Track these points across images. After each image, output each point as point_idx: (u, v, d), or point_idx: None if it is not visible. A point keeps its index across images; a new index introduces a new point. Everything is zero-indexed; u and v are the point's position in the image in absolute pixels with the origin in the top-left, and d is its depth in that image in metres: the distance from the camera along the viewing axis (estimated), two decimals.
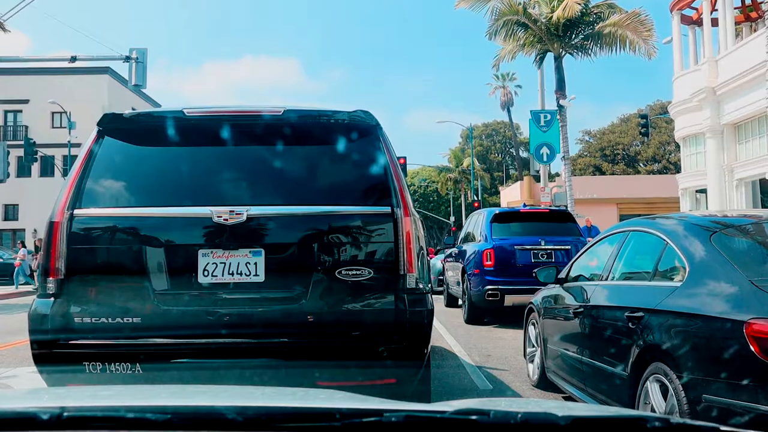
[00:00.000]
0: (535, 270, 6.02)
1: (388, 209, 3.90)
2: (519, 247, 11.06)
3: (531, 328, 6.37)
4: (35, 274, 23.21)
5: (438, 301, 13.52)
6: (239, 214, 3.76)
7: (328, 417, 1.32)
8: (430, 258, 19.85)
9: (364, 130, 4.14)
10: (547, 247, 11.03)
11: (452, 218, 55.84)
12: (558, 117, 23.05)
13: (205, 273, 3.76)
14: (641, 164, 60.62)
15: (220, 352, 3.79)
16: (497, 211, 12.09)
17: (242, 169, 4.08)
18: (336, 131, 4.13)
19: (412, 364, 3.87)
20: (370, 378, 3.79)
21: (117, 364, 3.59)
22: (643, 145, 58.24)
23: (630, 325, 3.85)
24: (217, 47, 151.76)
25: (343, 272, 3.80)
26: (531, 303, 6.40)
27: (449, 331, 10.33)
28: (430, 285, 4.12)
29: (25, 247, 26.20)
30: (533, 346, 6.26)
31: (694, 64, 25.42)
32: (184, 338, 3.81)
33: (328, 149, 4.18)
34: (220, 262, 3.77)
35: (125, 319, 3.71)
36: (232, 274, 3.76)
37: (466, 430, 1.30)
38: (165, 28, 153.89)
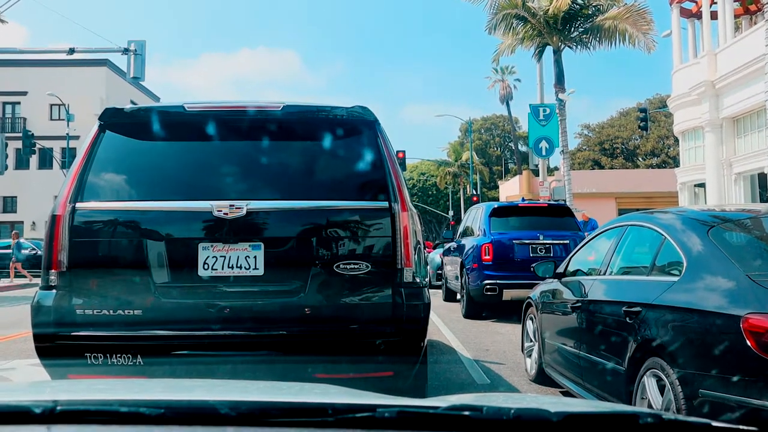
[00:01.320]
0: (534, 264, 6.02)
1: (385, 204, 3.92)
2: (517, 241, 11.06)
3: (529, 323, 6.37)
4: None
5: (436, 296, 13.55)
6: (239, 208, 3.79)
7: (322, 412, 1.32)
8: (429, 252, 19.87)
9: (362, 126, 4.16)
10: (545, 241, 11.02)
11: (451, 212, 55.86)
12: (557, 111, 23.03)
13: (205, 266, 3.79)
14: (640, 158, 60.61)
15: (219, 345, 3.82)
16: (496, 206, 12.07)
17: (242, 163, 4.11)
18: (334, 127, 4.16)
19: (409, 358, 3.89)
20: (366, 371, 3.80)
21: (118, 356, 3.62)
22: (642, 139, 58.24)
23: (627, 320, 3.85)
24: (216, 39, 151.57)
25: (341, 266, 3.83)
26: (529, 298, 6.41)
27: (447, 325, 10.34)
28: (427, 279, 4.13)
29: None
30: (531, 341, 6.27)
31: (693, 57, 25.40)
32: (185, 331, 3.83)
33: (327, 144, 4.20)
34: (220, 256, 3.80)
35: (126, 311, 3.75)
36: (232, 267, 3.79)
37: (459, 426, 1.30)
38: (163, 20, 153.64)
